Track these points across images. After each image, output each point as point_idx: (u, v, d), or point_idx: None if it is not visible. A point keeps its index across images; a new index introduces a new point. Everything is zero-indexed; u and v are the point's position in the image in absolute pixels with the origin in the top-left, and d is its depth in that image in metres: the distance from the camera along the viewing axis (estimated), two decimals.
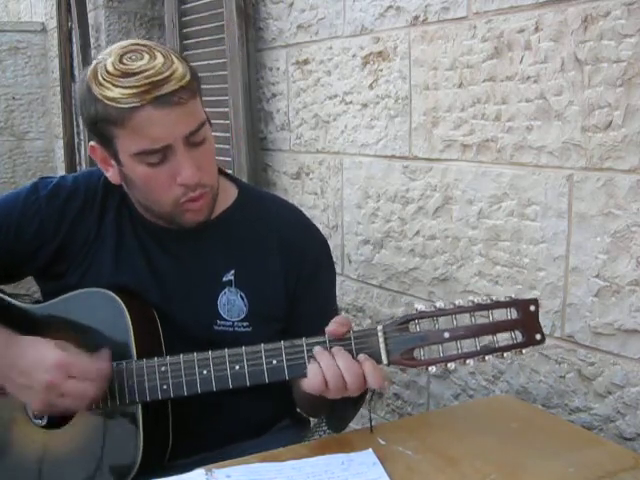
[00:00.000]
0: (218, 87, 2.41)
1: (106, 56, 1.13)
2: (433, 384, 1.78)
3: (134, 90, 1.07)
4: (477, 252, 1.58)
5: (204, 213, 1.21)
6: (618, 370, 1.31)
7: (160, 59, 1.10)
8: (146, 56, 1.10)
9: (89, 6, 3.50)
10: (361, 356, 1.05)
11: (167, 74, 1.09)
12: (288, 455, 1.09)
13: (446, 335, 1.04)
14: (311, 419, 1.41)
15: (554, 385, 1.44)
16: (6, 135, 4.32)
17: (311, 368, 1.06)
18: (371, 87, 1.84)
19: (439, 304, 1.05)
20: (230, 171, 2.31)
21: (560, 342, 1.41)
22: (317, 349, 1.07)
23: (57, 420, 1.21)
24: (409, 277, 1.80)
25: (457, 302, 1.05)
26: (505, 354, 1.05)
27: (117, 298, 1.18)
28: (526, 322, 1.05)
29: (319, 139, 2.08)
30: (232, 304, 1.24)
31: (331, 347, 1.06)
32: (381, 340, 1.06)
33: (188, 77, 1.11)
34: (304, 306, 1.28)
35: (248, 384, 1.10)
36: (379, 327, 1.07)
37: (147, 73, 1.08)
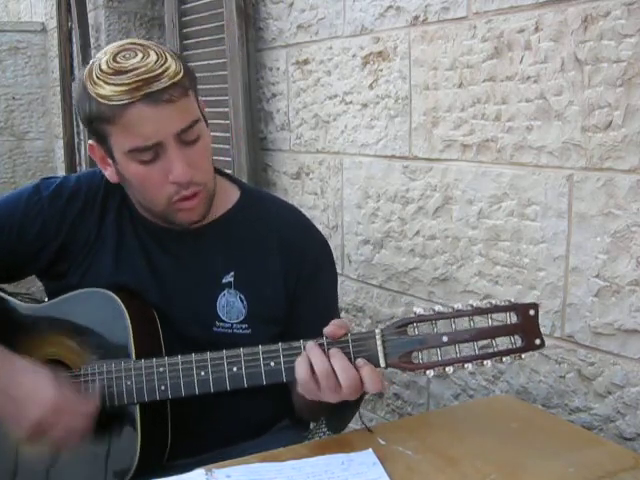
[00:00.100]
0: (218, 87, 2.41)
1: (102, 55, 1.14)
2: (433, 384, 1.78)
3: (125, 87, 1.08)
4: (477, 252, 1.58)
5: (198, 212, 1.20)
6: (618, 370, 1.31)
7: (153, 57, 1.10)
8: (139, 54, 1.11)
9: (89, 6, 3.50)
10: (359, 361, 1.05)
11: (159, 72, 1.09)
12: (288, 455, 1.09)
13: (445, 339, 1.03)
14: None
15: (554, 385, 1.44)
16: (6, 135, 4.32)
17: (299, 360, 1.05)
18: (371, 87, 1.84)
19: (438, 308, 1.05)
20: (230, 171, 2.31)
21: (560, 342, 1.41)
22: (309, 344, 1.06)
23: None
24: (409, 277, 1.80)
25: (456, 306, 1.04)
26: (504, 359, 1.04)
27: (117, 298, 1.18)
28: (526, 327, 1.04)
29: (319, 139, 2.08)
30: (231, 306, 1.24)
31: (329, 349, 1.06)
32: (379, 343, 1.05)
33: (180, 75, 1.11)
34: (304, 307, 1.27)
35: (246, 386, 1.10)
36: (377, 330, 1.06)
37: (138, 71, 1.08)
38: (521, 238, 1.47)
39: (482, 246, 1.57)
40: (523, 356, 1.05)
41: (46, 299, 1.32)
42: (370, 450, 1.09)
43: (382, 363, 1.05)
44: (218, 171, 1.34)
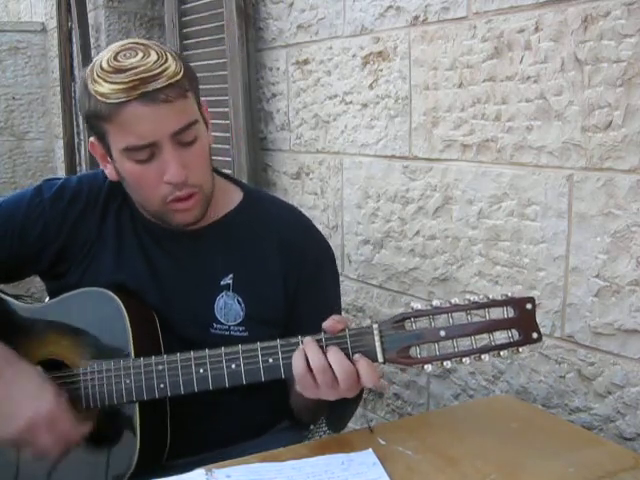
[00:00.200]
0: (218, 87, 2.41)
1: (105, 53, 1.14)
2: (433, 384, 1.78)
3: (122, 86, 1.08)
4: (477, 252, 1.58)
5: (193, 214, 1.20)
6: (618, 370, 1.31)
7: (153, 57, 1.11)
8: (140, 54, 1.11)
9: (89, 6, 3.50)
10: (356, 355, 1.05)
11: (157, 71, 1.09)
12: (288, 455, 1.09)
13: (442, 333, 1.04)
14: None
15: (554, 385, 1.44)
16: (6, 135, 4.32)
17: (296, 354, 1.06)
18: (371, 87, 1.84)
19: (435, 302, 1.05)
20: (230, 171, 2.32)
21: (560, 342, 1.41)
22: (306, 339, 1.06)
23: None
24: (409, 277, 1.80)
25: (453, 300, 1.04)
26: (502, 352, 1.04)
27: (116, 298, 1.18)
28: (523, 320, 1.04)
29: (319, 139, 2.08)
30: (229, 308, 1.24)
31: (326, 345, 1.06)
32: (377, 338, 1.05)
33: (179, 76, 1.11)
34: (305, 307, 1.27)
35: (244, 382, 1.10)
36: (375, 325, 1.06)
37: (137, 70, 1.09)
38: (521, 238, 1.47)
39: (482, 246, 1.57)
40: (521, 350, 1.05)
41: (47, 299, 1.33)
42: (370, 450, 1.09)
43: (380, 358, 1.05)
44: (221, 173, 1.34)
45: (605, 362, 1.33)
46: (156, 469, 1.12)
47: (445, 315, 1.04)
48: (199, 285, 1.25)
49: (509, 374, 1.55)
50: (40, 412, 1.11)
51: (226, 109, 2.38)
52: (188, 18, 2.68)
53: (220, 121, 2.37)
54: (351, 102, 1.92)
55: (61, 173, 4.15)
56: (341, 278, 2.01)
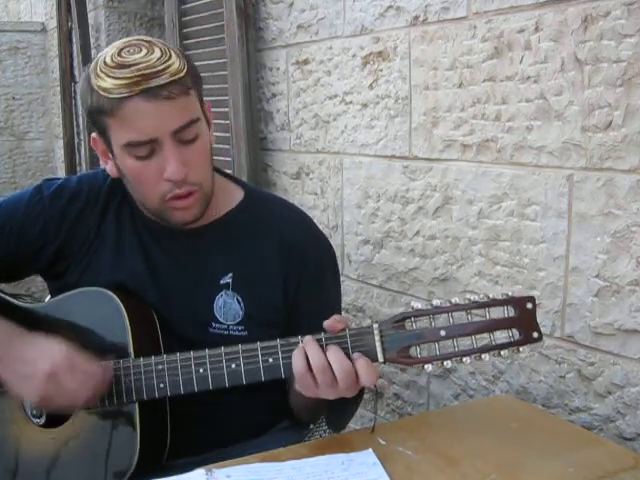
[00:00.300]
0: (218, 87, 2.41)
1: (109, 49, 1.15)
2: (433, 384, 1.78)
3: (125, 81, 1.08)
4: (477, 252, 1.58)
5: (192, 213, 1.20)
6: (618, 370, 1.31)
7: (157, 53, 1.11)
8: (144, 50, 1.11)
9: (89, 6, 3.50)
10: (355, 354, 1.05)
11: (160, 68, 1.10)
12: (288, 455, 1.09)
13: (442, 333, 1.04)
14: None
15: (554, 385, 1.44)
16: (6, 135, 4.32)
17: (296, 352, 1.06)
18: (371, 87, 1.84)
19: (436, 302, 1.05)
20: (230, 171, 2.31)
21: (560, 342, 1.41)
22: (306, 338, 1.06)
23: (55, 419, 1.21)
24: (409, 277, 1.80)
25: (454, 300, 1.04)
26: (502, 352, 1.04)
27: (115, 297, 1.18)
28: (523, 320, 1.04)
29: (319, 139, 2.08)
30: (228, 307, 1.24)
31: (327, 345, 1.06)
32: (377, 338, 1.05)
33: (182, 73, 1.12)
34: (305, 309, 1.27)
35: (244, 382, 1.10)
36: (375, 325, 1.06)
37: (140, 66, 1.09)
38: (521, 238, 1.47)
39: (482, 246, 1.57)
40: (521, 349, 1.05)
41: (47, 298, 1.33)
42: (370, 450, 1.09)
43: (380, 358, 1.06)
44: (222, 172, 1.33)
45: (605, 362, 1.33)
46: (156, 469, 1.12)
47: (445, 315, 1.04)
48: (198, 284, 1.25)
49: (509, 374, 1.55)
50: (56, 361, 1.11)
51: (226, 109, 2.38)
52: (188, 18, 2.68)
53: (220, 121, 2.37)
54: (351, 102, 1.92)
55: (61, 173, 4.15)
56: (341, 278, 2.01)
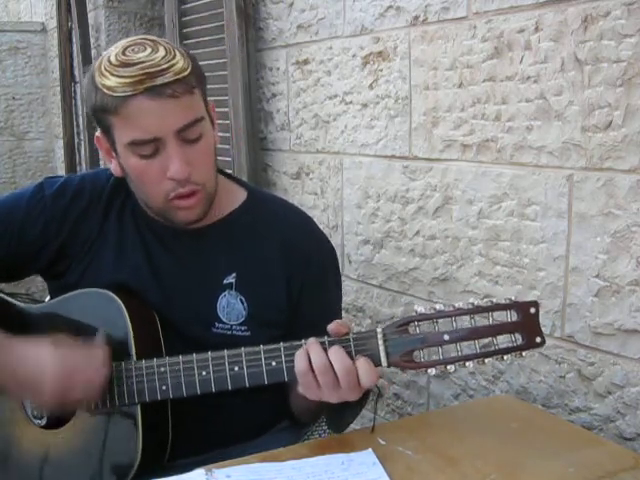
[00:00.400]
0: (218, 87, 2.41)
1: (113, 48, 1.14)
2: (433, 384, 1.78)
3: (129, 80, 1.08)
4: (477, 252, 1.58)
5: (196, 212, 1.20)
6: (618, 370, 1.31)
7: (161, 52, 1.11)
8: (148, 49, 1.11)
9: (89, 6, 3.50)
10: (357, 356, 1.05)
11: (164, 66, 1.10)
12: (288, 455, 1.09)
13: (446, 337, 1.04)
14: None
15: (554, 385, 1.44)
16: (6, 135, 4.32)
17: (298, 353, 1.06)
18: (371, 87, 1.84)
19: (439, 306, 1.05)
20: (230, 171, 2.31)
21: (560, 342, 1.41)
22: (310, 340, 1.06)
23: (56, 420, 1.21)
24: (409, 277, 1.80)
25: (457, 304, 1.04)
26: (505, 357, 1.04)
27: (116, 298, 1.18)
28: (526, 325, 1.04)
29: (319, 139, 2.08)
30: (231, 307, 1.24)
31: (330, 347, 1.06)
32: (380, 342, 1.05)
33: (187, 72, 1.12)
34: (308, 310, 1.27)
35: (247, 385, 1.10)
36: (378, 329, 1.06)
37: (144, 64, 1.09)
38: (521, 238, 1.47)
39: (482, 246, 1.57)
40: (524, 354, 1.05)
41: (47, 298, 1.33)
42: (370, 450, 1.09)
43: (384, 362, 1.06)
44: (224, 173, 1.33)
45: (605, 362, 1.33)
46: (156, 469, 1.12)
47: (448, 318, 1.04)
48: (201, 284, 1.24)
49: (509, 374, 1.55)
50: (57, 355, 1.11)
51: (226, 109, 2.38)
52: (188, 18, 2.68)
53: (220, 121, 2.35)
54: (351, 102, 1.92)
55: (61, 173, 4.14)
56: (341, 278, 2.01)
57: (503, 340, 1.05)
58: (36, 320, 1.26)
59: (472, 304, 1.04)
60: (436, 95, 1.63)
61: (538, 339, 1.04)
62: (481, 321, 1.04)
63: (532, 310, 1.05)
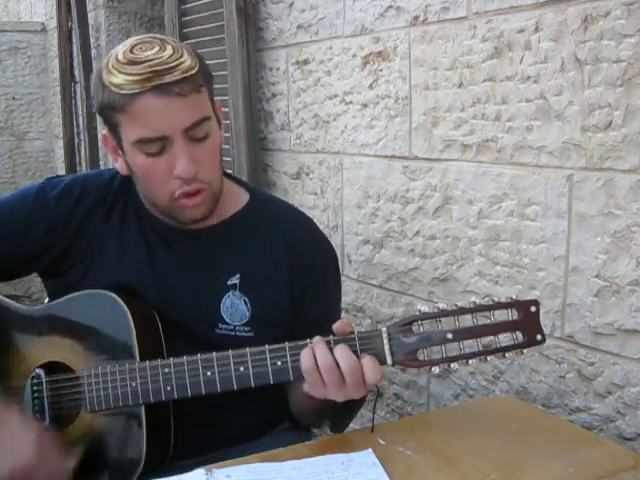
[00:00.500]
0: (218, 87, 2.39)
1: (121, 46, 1.14)
2: (433, 384, 1.78)
3: (137, 77, 1.08)
4: (477, 252, 1.58)
5: (201, 211, 1.20)
6: (618, 370, 1.31)
7: (169, 51, 1.11)
8: (156, 47, 1.11)
9: (89, 6, 3.50)
10: (362, 354, 1.06)
11: (172, 65, 1.10)
12: (288, 455, 1.09)
13: (449, 336, 1.05)
14: None
15: (554, 385, 1.44)
16: (6, 135, 4.32)
17: (304, 351, 1.06)
18: (371, 87, 1.84)
19: (442, 305, 1.06)
20: (230, 171, 2.31)
21: (560, 342, 1.41)
22: (315, 338, 1.07)
23: (60, 421, 1.21)
24: (409, 277, 1.80)
25: (459, 303, 1.05)
26: (506, 354, 1.06)
27: (119, 300, 1.18)
28: (527, 323, 1.06)
29: (319, 139, 2.08)
30: (235, 308, 1.24)
31: (335, 345, 1.06)
32: (385, 341, 1.06)
33: (194, 71, 1.12)
34: (309, 310, 1.27)
35: (253, 385, 1.10)
36: (383, 328, 1.07)
37: (152, 62, 1.09)
38: (521, 238, 1.47)
39: (482, 246, 1.57)
40: (525, 352, 1.06)
41: (46, 299, 1.32)
42: (370, 450, 1.09)
43: (389, 361, 1.06)
44: (228, 175, 1.34)
45: (605, 362, 1.33)
46: (157, 470, 1.12)
47: (451, 317, 1.05)
48: (204, 284, 1.24)
49: (509, 374, 1.55)
50: (23, 460, 1.10)
51: (226, 109, 2.37)
52: (188, 18, 2.68)
53: None
54: (351, 102, 1.92)
55: (61, 173, 4.14)
56: (341, 278, 2.01)
57: (504, 338, 1.06)
58: (39, 322, 1.26)
59: (474, 303, 1.05)
60: (436, 95, 1.63)
61: (539, 337, 1.06)
62: (483, 320, 1.06)
63: (532, 308, 1.06)
